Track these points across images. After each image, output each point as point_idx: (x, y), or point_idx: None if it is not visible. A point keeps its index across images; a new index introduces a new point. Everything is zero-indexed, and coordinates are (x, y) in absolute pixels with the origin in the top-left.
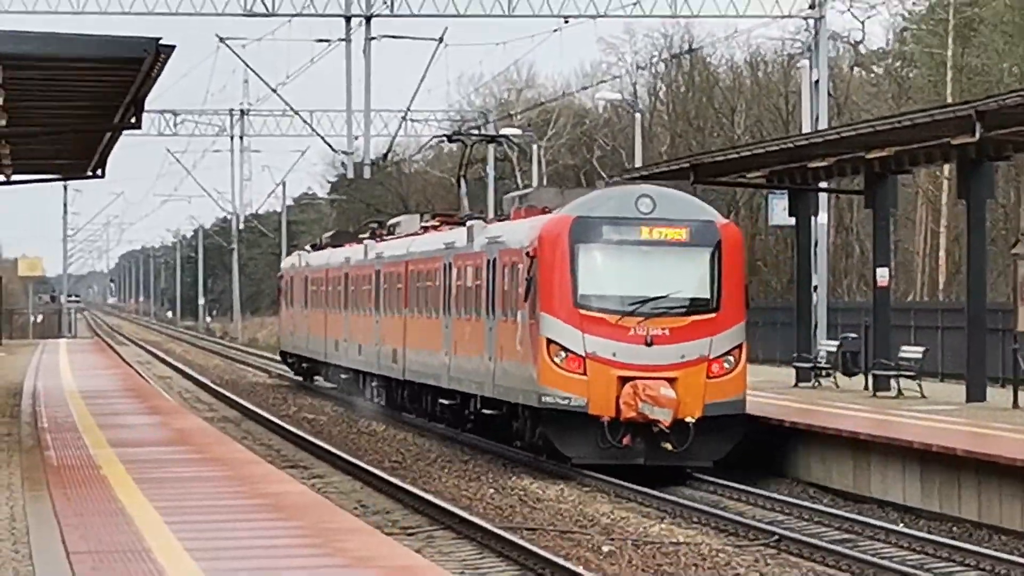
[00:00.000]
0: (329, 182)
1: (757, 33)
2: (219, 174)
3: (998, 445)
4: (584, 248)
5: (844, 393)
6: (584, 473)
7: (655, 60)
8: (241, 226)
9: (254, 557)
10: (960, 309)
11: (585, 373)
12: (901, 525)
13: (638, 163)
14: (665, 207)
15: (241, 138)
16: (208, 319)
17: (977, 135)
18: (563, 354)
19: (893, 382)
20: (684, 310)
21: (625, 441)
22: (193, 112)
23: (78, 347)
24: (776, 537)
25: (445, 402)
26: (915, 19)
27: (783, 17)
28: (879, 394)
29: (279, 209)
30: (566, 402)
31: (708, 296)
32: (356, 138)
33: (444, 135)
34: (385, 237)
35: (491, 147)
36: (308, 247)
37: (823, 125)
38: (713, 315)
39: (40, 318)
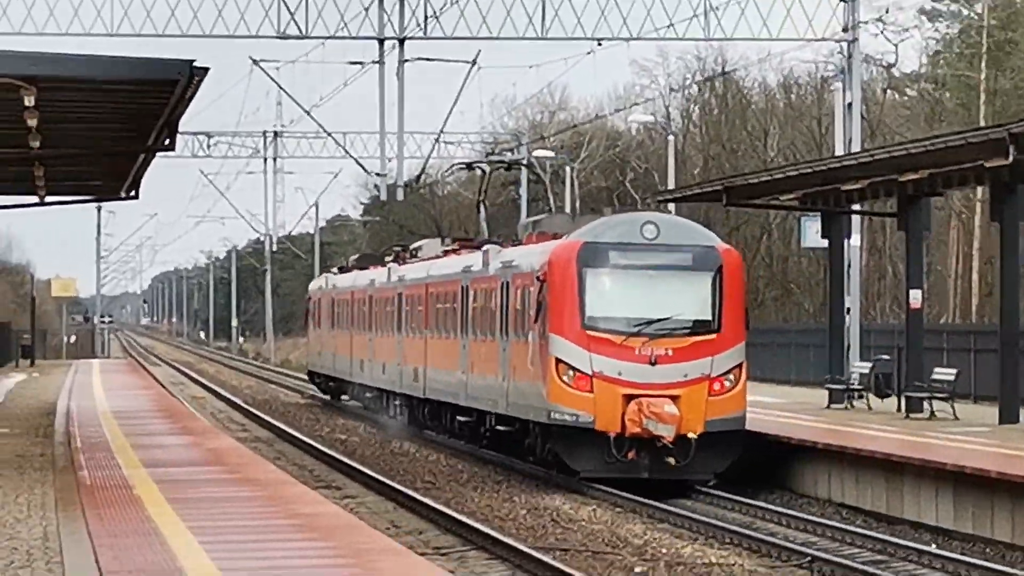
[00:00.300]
0: (362, 203)
1: (790, 56)
2: (252, 196)
3: None
4: (591, 272)
5: (876, 415)
6: (616, 494)
7: (688, 83)
8: (274, 247)
9: None
10: (993, 331)
11: (592, 391)
12: (934, 546)
13: (671, 185)
14: (669, 233)
15: (275, 160)
16: (241, 340)
17: (1010, 157)
18: (571, 373)
19: (926, 404)
20: (687, 331)
21: (630, 456)
22: (227, 134)
23: (111, 367)
24: (809, 558)
25: (463, 419)
26: (947, 42)
27: (816, 40)
28: (912, 416)
29: (312, 231)
30: (574, 419)
31: (710, 318)
32: (389, 160)
33: (464, 162)
34: (408, 260)
35: (524, 170)
36: (335, 270)
37: (856, 147)
38: (714, 336)
39: (73, 339)
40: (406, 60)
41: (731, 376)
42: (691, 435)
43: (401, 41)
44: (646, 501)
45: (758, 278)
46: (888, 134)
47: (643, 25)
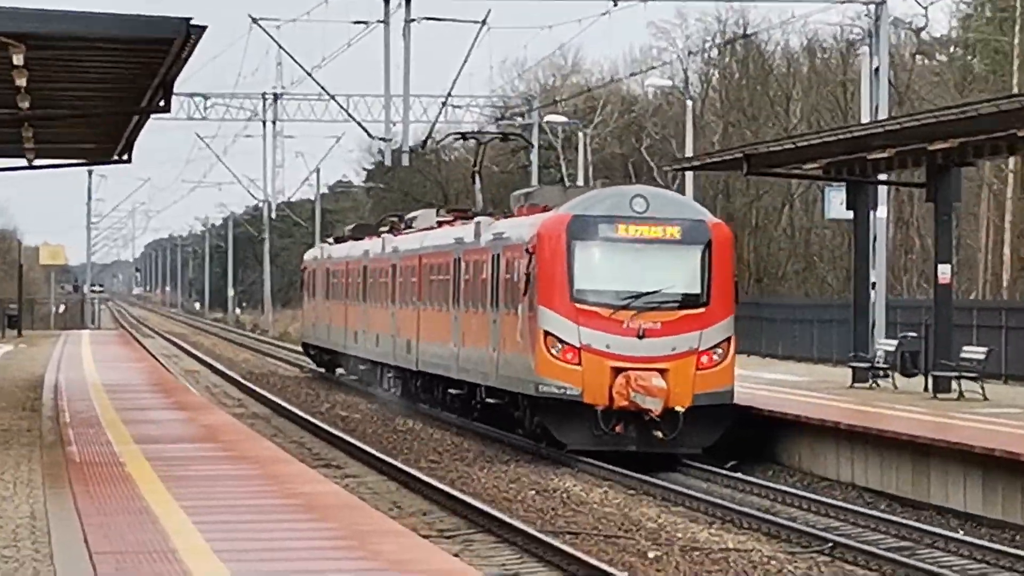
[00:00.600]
0: (365, 169)
1: (815, 18)
2: (250, 160)
3: None
4: (580, 245)
5: (902, 395)
6: (630, 475)
7: (707, 45)
8: (273, 215)
9: (285, 560)
10: None
11: (580, 364)
12: (961, 533)
13: (689, 153)
14: (658, 206)
15: (274, 123)
16: (238, 311)
17: None
18: (559, 346)
19: (954, 384)
20: (675, 305)
21: (618, 429)
22: (224, 95)
23: (102, 339)
24: (830, 544)
25: (454, 392)
26: (979, 5)
27: (842, 2)
28: (939, 396)
29: (313, 197)
30: (562, 391)
31: (698, 292)
32: (394, 124)
33: (459, 133)
34: (402, 231)
35: (536, 135)
36: (331, 239)
37: (883, 115)
38: (703, 310)
39: (62, 308)
40: (412, 19)
41: (719, 350)
42: (679, 408)
43: None
44: (660, 483)
45: (780, 251)
46: (917, 101)
47: None
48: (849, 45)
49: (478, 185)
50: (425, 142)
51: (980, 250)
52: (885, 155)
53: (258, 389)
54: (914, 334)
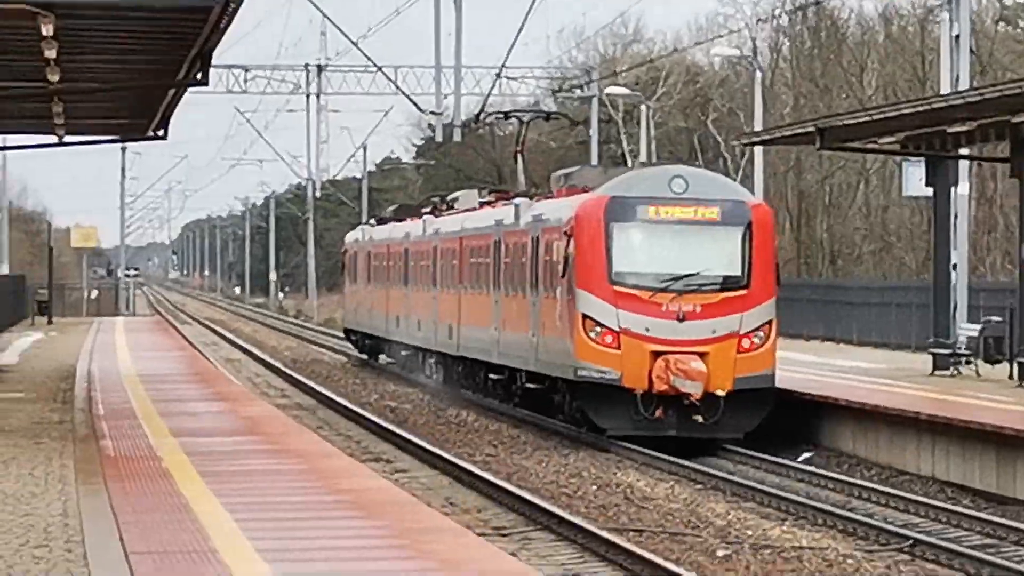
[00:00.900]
0: (415, 145)
1: None
2: (293, 136)
3: None
4: (618, 227)
5: (986, 383)
6: (697, 469)
7: (777, 12)
8: (317, 193)
9: (332, 560)
10: None
11: (619, 348)
12: None
13: (758, 126)
14: (697, 187)
15: (318, 96)
16: (280, 296)
17: None
18: (598, 329)
19: None
20: (715, 287)
21: (657, 413)
22: (265, 67)
23: (137, 326)
24: (910, 541)
25: (495, 377)
26: None
27: None
28: None
29: (359, 175)
30: (601, 376)
31: (739, 274)
32: (445, 97)
33: (501, 112)
34: (444, 212)
35: (595, 109)
36: (372, 221)
37: (964, 85)
38: (744, 292)
39: (95, 294)
40: None
41: (760, 333)
42: (719, 392)
43: None
44: (730, 477)
45: (854, 230)
46: (999, 70)
47: None
48: (928, 12)
49: (520, 165)
50: (478, 116)
51: None
52: (966, 128)
53: (302, 379)
54: (998, 318)
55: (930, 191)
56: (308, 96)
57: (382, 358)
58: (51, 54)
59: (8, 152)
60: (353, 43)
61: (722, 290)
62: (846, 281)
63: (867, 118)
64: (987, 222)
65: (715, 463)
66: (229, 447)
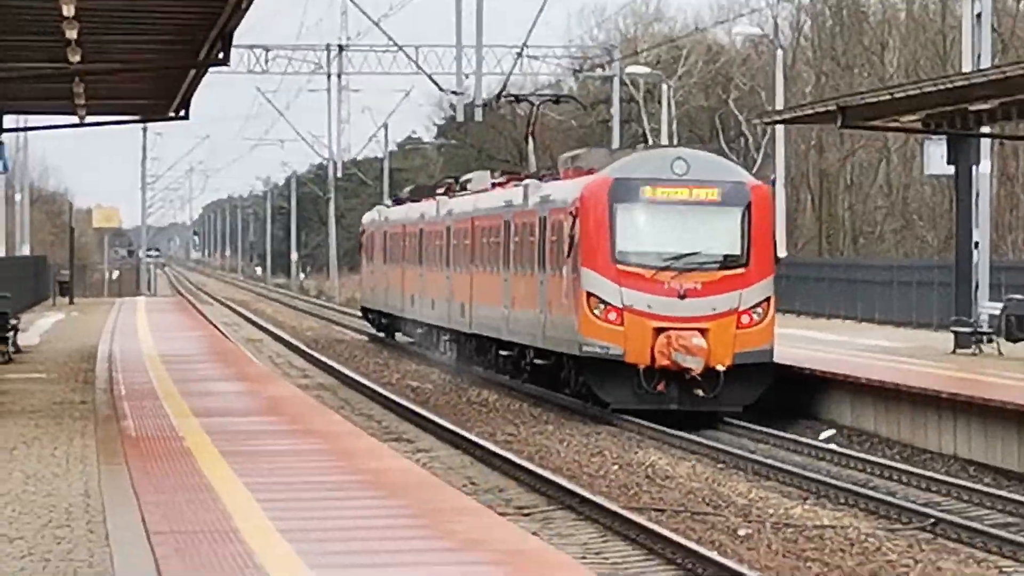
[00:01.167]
0: (436, 125)
1: None
2: (314, 116)
3: None
4: (622, 207)
5: (1008, 361)
6: (719, 447)
7: None
8: (338, 173)
9: (353, 539)
10: None
11: (622, 324)
12: None
13: (779, 105)
14: (698, 169)
15: (339, 76)
16: (301, 276)
17: None
18: (602, 306)
19: None
20: (716, 265)
21: (659, 388)
22: (286, 47)
23: (158, 306)
24: (932, 520)
25: (504, 353)
26: None
27: None
28: None
29: (380, 155)
30: (604, 351)
31: (738, 252)
32: (466, 76)
33: (513, 95)
34: (458, 193)
35: (616, 88)
36: (388, 202)
37: (986, 63)
38: (743, 270)
39: (116, 274)
40: None
41: (759, 309)
42: (719, 367)
43: None
44: (751, 456)
45: (876, 209)
46: (1021, 48)
47: None
48: None
49: (531, 147)
50: (499, 95)
51: None
52: (988, 106)
53: (324, 359)
54: (1020, 296)
55: (952, 169)
56: (329, 76)
57: (398, 336)
58: (72, 34)
59: (29, 133)
60: (374, 22)
61: (722, 268)
62: (868, 260)
63: (889, 96)
64: (1009, 200)
65: (737, 442)
66: (250, 427)
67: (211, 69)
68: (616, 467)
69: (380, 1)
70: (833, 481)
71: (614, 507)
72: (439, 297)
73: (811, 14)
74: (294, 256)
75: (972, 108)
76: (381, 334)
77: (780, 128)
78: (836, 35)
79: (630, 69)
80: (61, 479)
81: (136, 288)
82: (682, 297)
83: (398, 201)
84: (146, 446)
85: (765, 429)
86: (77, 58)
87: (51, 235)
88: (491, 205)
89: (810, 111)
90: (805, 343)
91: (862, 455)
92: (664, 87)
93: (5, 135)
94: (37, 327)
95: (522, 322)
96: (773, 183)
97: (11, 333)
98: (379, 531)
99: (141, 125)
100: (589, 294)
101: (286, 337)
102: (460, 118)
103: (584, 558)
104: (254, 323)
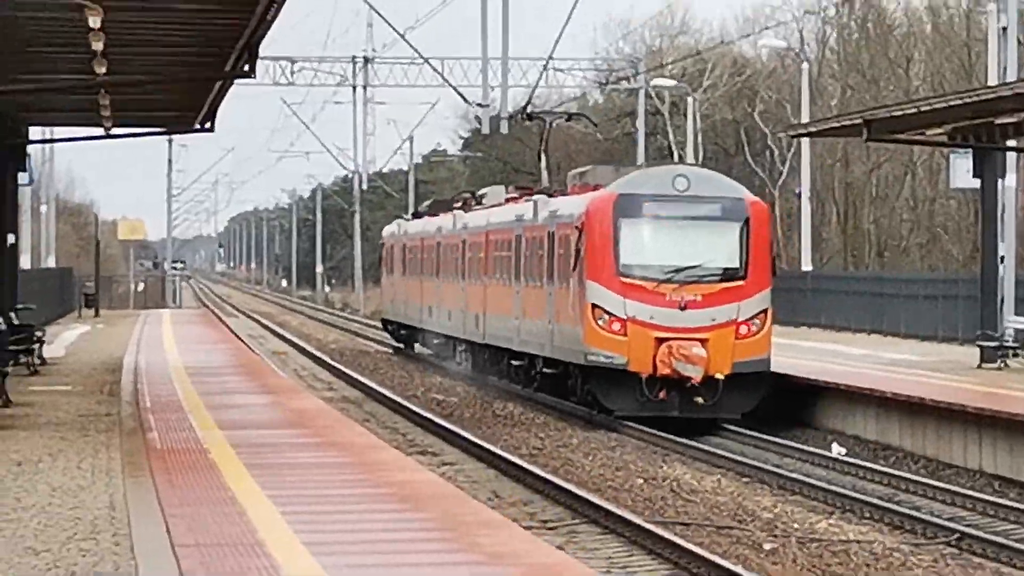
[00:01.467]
0: (461, 137)
1: None
2: (340, 128)
3: None
4: (626, 222)
5: None
6: (743, 462)
7: (825, 4)
8: (364, 186)
9: (379, 552)
10: None
11: (626, 334)
12: None
13: (805, 118)
14: (699, 185)
15: (365, 88)
16: (327, 288)
17: None
18: (606, 317)
19: None
20: (715, 278)
21: (661, 395)
22: (312, 59)
23: (183, 318)
24: (957, 535)
25: (516, 363)
26: None
27: None
28: None
29: (406, 167)
30: (609, 360)
31: (737, 266)
32: (492, 89)
33: (527, 113)
34: (473, 207)
35: (641, 100)
36: (408, 215)
37: (1012, 76)
38: (741, 283)
39: (142, 286)
40: None
41: (757, 320)
42: (719, 376)
43: None
44: (777, 471)
45: (902, 222)
46: None
47: None
48: (974, 3)
49: (543, 163)
50: (525, 108)
51: None
52: (1014, 119)
53: (349, 371)
54: None
55: (977, 183)
56: (355, 88)
57: (417, 347)
58: (98, 46)
59: (56, 144)
60: (400, 35)
61: (721, 281)
62: (893, 273)
63: (914, 110)
64: None
65: (762, 456)
66: (276, 440)
67: (237, 81)
68: (641, 481)
69: (406, 13)
70: (858, 495)
71: (639, 521)
72: (455, 308)
73: (837, 27)
74: (319, 268)
75: (998, 121)
76: (400, 345)
77: (806, 141)
78: (862, 48)
79: (655, 82)
80: (86, 491)
81: (161, 300)
82: (683, 308)
83: (416, 215)
84: (171, 458)
85: (789, 443)
86: (103, 70)
87: (77, 247)
88: (504, 219)
89: (836, 124)
90: (830, 356)
91: (887, 469)
92: (689, 100)
93: (31, 146)
94: (63, 339)
95: (532, 332)
96: (799, 196)
97: (36, 345)
98: (404, 544)
99: (167, 137)
100: (594, 306)
101: (311, 350)
102: (485, 130)
103: (609, 572)
104: (279, 335)
